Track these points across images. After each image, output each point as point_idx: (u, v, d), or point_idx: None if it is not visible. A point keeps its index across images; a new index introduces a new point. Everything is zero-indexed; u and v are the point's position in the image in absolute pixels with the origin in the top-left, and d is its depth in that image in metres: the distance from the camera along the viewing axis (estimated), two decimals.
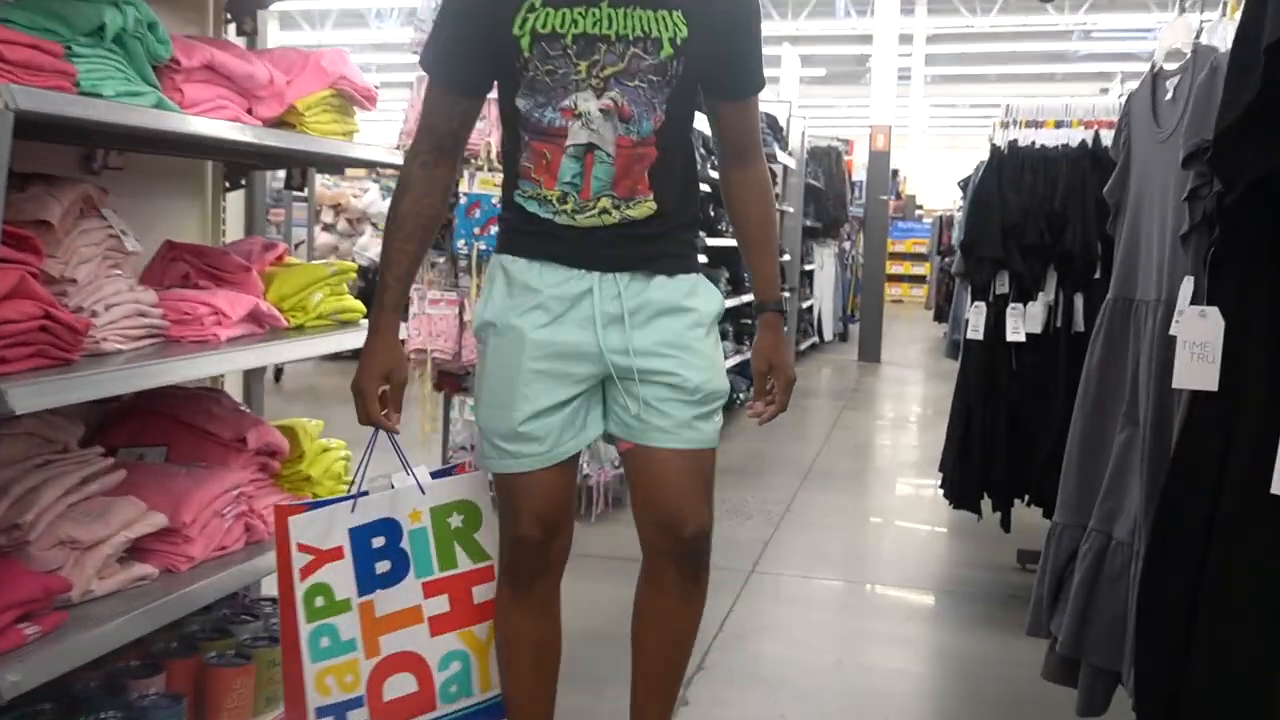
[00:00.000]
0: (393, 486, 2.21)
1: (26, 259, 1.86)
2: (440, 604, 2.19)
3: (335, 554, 2.14)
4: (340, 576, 2.14)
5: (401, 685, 2.17)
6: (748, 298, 8.30)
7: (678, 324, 2.13)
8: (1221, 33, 2.18)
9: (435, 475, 2.26)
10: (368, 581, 2.15)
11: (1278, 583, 1.47)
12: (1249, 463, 1.48)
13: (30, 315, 1.80)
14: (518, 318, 2.10)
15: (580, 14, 1.98)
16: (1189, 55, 2.20)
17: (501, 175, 2.24)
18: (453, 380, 4.90)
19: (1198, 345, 1.46)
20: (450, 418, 5.12)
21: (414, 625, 2.18)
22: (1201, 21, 2.34)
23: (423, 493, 2.16)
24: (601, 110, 2.02)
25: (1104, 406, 2.55)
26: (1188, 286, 1.85)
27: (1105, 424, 2.54)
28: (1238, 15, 2.11)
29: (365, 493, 2.18)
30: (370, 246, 9.63)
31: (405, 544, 2.18)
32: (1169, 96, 2.27)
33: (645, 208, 2.09)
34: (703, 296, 2.19)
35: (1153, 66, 2.37)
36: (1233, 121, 1.38)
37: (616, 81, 2.01)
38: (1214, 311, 1.46)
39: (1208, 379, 1.46)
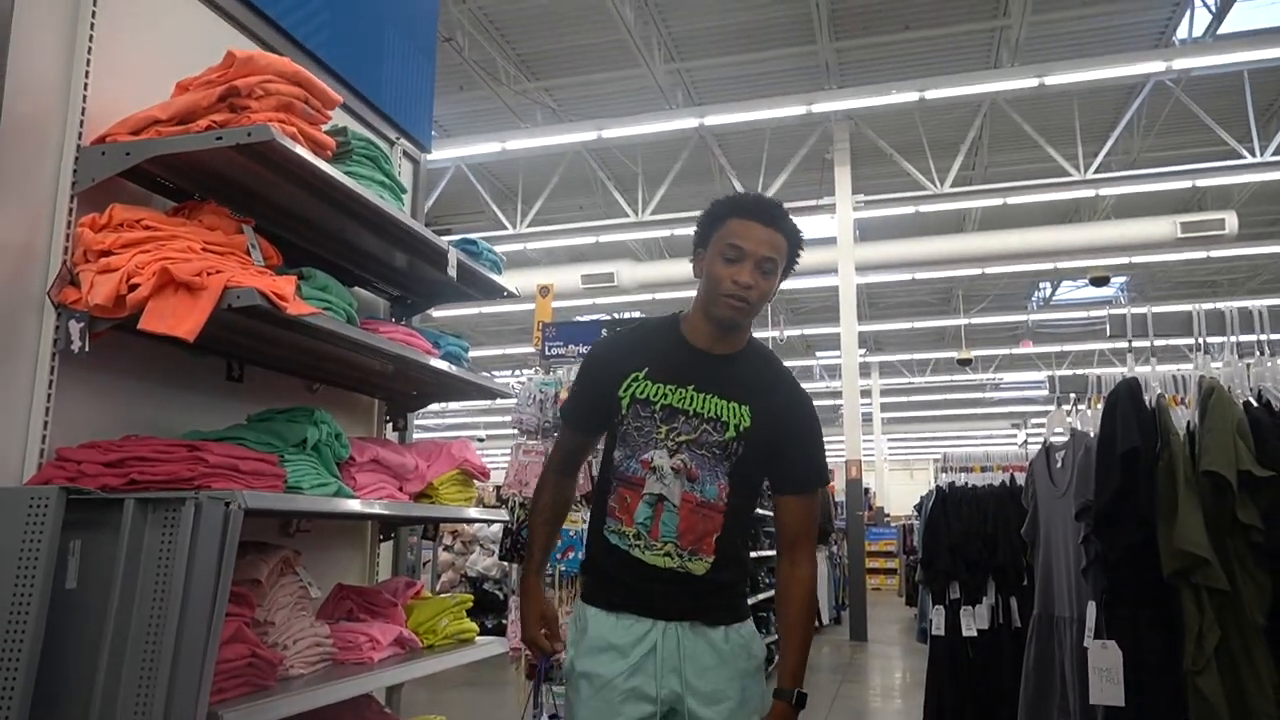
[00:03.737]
0: None
1: (242, 612, 1.91)
2: None
3: None
4: None
5: None
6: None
7: (727, 673, 1.92)
8: (1089, 418, 2.24)
9: None
10: None
11: None
12: None
13: (242, 655, 1.84)
14: (601, 667, 1.92)
15: (670, 390, 1.95)
16: (1069, 437, 2.28)
17: (588, 515, 2.12)
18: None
19: (1104, 670, 1.43)
20: (540, 701, 4.93)
21: None
22: (1073, 410, 2.42)
23: None
24: (673, 468, 1.93)
25: (1042, 700, 2.42)
26: (1092, 610, 1.83)
27: (1045, 714, 2.40)
28: (1098, 405, 2.20)
29: None
30: (479, 562, 9.62)
31: None
32: (1059, 465, 2.33)
33: (703, 565, 1.92)
34: (750, 646, 1.98)
35: (1044, 442, 2.44)
36: (1104, 505, 1.43)
37: (687, 447, 1.93)
38: (1112, 645, 1.45)
39: (1116, 697, 1.43)
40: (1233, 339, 1.64)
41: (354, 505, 2.24)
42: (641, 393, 1.97)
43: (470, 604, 2.83)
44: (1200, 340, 1.65)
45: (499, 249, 2.96)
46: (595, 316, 14.93)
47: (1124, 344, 1.87)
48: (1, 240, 1.86)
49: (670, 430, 1.94)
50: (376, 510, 2.32)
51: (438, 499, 2.69)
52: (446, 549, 9.94)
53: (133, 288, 1.83)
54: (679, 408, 1.95)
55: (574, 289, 12.84)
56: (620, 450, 1.99)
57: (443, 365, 2.67)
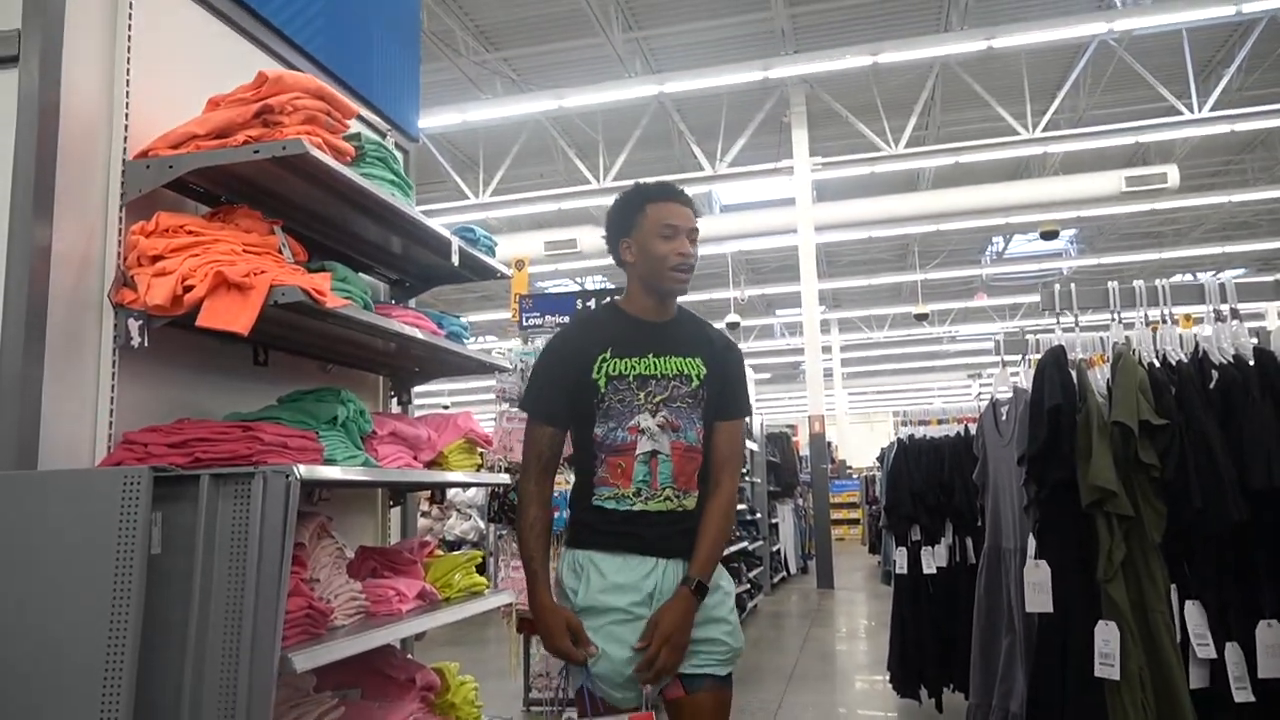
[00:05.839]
0: None
1: (298, 570, 2.16)
2: None
3: None
4: None
5: None
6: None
7: (714, 599, 2.19)
8: (1029, 376, 2.54)
9: None
10: None
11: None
12: (1079, 655, 1.71)
13: (301, 607, 2.08)
14: (613, 599, 2.13)
15: (636, 361, 2.19)
16: (1012, 393, 2.59)
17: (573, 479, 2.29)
18: (530, 624, 5.03)
19: (1036, 584, 1.75)
20: (530, 652, 5.25)
21: None
22: (1019, 367, 2.73)
23: None
24: (659, 425, 2.16)
25: (992, 621, 2.75)
26: (1032, 541, 2.15)
27: (995, 633, 2.73)
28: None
29: None
30: (455, 526, 9.87)
31: None
32: (1004, 418, 2.65)
33: (693, 499, 2.19)
34: (726, 577, 2.27)
35: (991, 399, 2.76)
36: (1035, 451, 1.74)
37: (665, 405, 2.17)
38: (1044, 563, 1.76)
39: (1045, 605, 1.75)
40: (1141, 312, 1.95)
41: (382, 474, 2.48)
42: (614, 370, 2.19)
43: (479, 560, 3.09)
44: (1115, 313, 1.96)
45: (462, 218, 3.14)
46: (561, 283, 15.09)
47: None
48: (64, 250, 2.07)
49: (647, 394, 2.18)
50: (398, 478, 2.56)
51: (447, 466, 2.92)
52: (424, 515, 10.17)
53: (188, 289, 2.05)
54: (649, 374, 2.18)
55: (537, 255, 13.02)
56: (602, 426, 2.18)
57: (450, 345, 2.92)
